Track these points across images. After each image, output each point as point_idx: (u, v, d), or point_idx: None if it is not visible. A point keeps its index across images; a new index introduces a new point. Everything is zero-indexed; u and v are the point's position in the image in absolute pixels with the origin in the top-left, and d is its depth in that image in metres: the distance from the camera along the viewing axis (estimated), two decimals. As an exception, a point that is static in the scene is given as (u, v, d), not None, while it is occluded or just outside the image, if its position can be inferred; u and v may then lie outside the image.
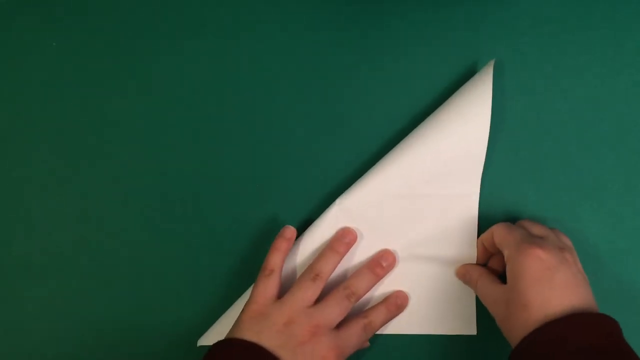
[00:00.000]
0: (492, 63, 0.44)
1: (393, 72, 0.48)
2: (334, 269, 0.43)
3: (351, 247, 0.44)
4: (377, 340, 0.45)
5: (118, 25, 0.50)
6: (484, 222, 0.44)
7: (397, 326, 0.45)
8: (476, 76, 0.44)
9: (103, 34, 0.50)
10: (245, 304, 0.42)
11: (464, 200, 0.44)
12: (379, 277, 0.44)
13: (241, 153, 0.48)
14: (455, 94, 0.44)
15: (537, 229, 0.41)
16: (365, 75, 0.48)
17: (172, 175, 0.48)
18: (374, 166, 0.45)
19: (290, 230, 0.44)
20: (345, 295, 0.42)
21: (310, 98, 0.48)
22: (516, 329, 0.37)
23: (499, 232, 0.41)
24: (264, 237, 0.47)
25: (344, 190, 0.45)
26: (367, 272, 0.44)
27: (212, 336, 0.45)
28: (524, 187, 0.46)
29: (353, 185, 0.45)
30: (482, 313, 0.45)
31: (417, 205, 0.44)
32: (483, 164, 0.43)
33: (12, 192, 0.49)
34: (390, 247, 0.45)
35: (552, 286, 0.36)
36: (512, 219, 0.45)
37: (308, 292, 0.41)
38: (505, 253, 0.39)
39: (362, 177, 0.45)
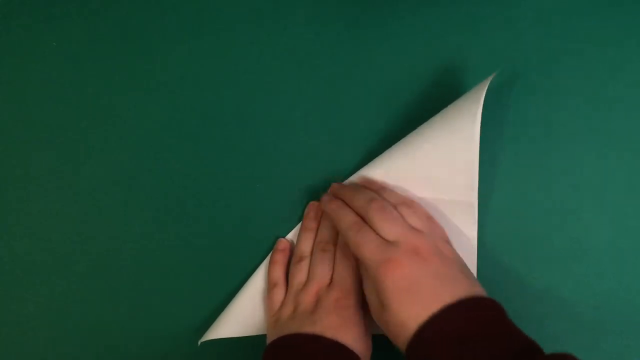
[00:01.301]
0: (489, 79, 0.43)
1: (393, 72, 0.48)
2: (313, 243, 0.45)
3: (320, 217, 0.46)
4: (377, 340, 0.45)
5: (118, 25, 0.50)
6: (484, 222, 0.44)
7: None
8: (472, 90, 0.43)
9: (103, 33, 0.50)
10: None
11: (461, 204, 0.43)
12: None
13: (241, 153, 0.48)
14: (446, 109, 0.43)
15: (385, 223, 0.38)
16: (365, 76, 0.48)
17: (172, 175, 0.48)
18: (366, 167, 0.44)
19: (283, 242, 0.47)
20: (320, 250, 0.44)
21: (310, 98, 0.48)
22: (404, 347, 0.35)
23: (349, 241, 0.39)
24: (264, 237, 0.47)
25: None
26: (325, 216, 0.45)
27: (213, 334, 0.46)
28: (525, 187, 0.46)
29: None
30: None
31: None
32: (477, 167, 0.42)
33: (13, 192, 0.49)
34: None
35: (419, 298, 0.35)
36: (513, 219, 0.45)
37: (299, 275, 0.44)
38: (363, 270, 0.40)
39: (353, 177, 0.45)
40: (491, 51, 0.47)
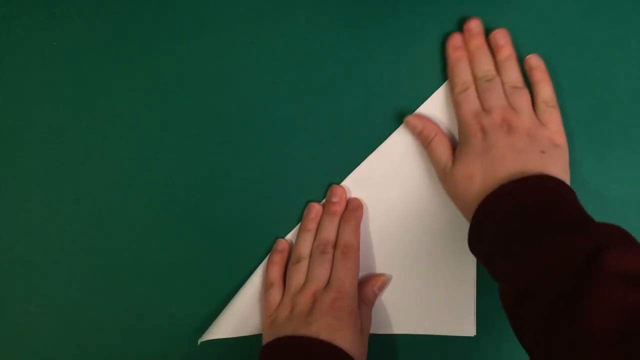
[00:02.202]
0: None
1: (393, 72, 0.48)
2: (312, 244, 0.45)
3: (319, 219, 0.46)
4: (376, 340, 0.45)
5: (118, 25, 0.50)
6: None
7: (396, 326, 0.45)
8: None
9: (103, 33, 0.50)
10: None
11: None
12: (337, 214, 0.46)
13: (241, 153, 0.48)
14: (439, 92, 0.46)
15: (492, 98, 0.42)
16: (365, 76, 0.48)
17: (172, 175, 0.48)
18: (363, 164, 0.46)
19: (282, 243, 0.47)
20: (320, 252, 0.44)
21: (310, 98, 0.48)
22: (465, 200, 0.40)
23: (453, 96, 0.44)
24: (263, 237, 0.47)
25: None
26: (325, 217, 0.46)
27: (212, 334, 0.46)
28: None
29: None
30: (481, 314, 0.45)
31: (411, 199, 0.46)
32: None
33: (13, 191, 0.49)
34: (388, 247, 0.46)
35: (493, 163, 0.39)
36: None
37: (297, 276, 0.44)
38: (460, 137, 0.43)
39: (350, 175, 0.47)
40: (491, 51, 0.47)
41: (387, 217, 0.46)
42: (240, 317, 0.46)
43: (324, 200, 0.47)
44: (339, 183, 0.47)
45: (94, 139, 0.49)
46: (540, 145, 0.40)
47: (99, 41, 0.50)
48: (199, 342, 0.46)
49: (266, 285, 0.45)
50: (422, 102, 0.47)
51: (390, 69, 0.48)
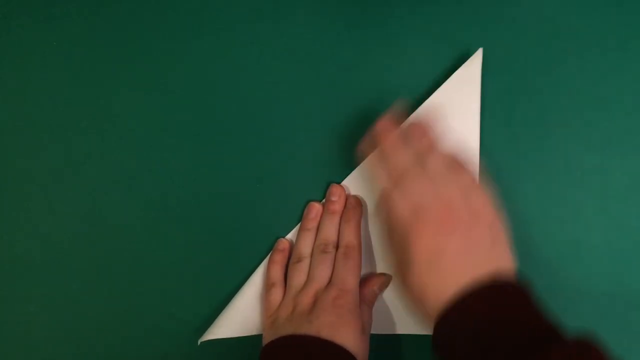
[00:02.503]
0: (480, 52, 0.45)
1: (393, 72, 0.48)
2: (312, 243, 0.45)
3: (319, 218, 0.46)
4: (376, 340, 0.45)
5: (118, 25, 0.50)
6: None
7: (396, 327, 0.45)
8: (463, 68, 0.45)
9: (103, 33, 0.50)
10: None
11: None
12: (337, 213, 0.45)
13: (241, 153, 0.48)
14: (442, 90, 0.45)
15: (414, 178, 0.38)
16: (365, 76, 0.48)
17: (173, 175, 0.48)
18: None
19: (282, 243, 0.47)
20: (321, 251, 0.44)
21: (310, 98, 0.48)
22: (426, 318, 0.37)
23: (381, 192, 0.39)
24: (263, 237, 0.47)
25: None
26: (325, 217, 0.45)
27: (212, 334, 0.46)
28: (525, 187, 0.46)
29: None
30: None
31: None
32: (478, 159, 0.44)
33: (13, 191, 0.49)
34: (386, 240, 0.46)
35: (443, 273, 0.35)
36: (513, 219, 0.45)
37: (298, 276, 0.44)
38: (389, 225, 0.39)
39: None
40: (491, 51, 0.47)
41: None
42: (240, 317, 0.46)
43: (324, 200, 0.47)
44: (339, 183, 0.47)
45: (94, 139, 0.49)
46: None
47: (99, 41, 0.50)
48: (199, 342, 0.46)
49: (267, 285, 0.45)
50: (422, 103, 0.47)
51: (390, 69, 0.48)
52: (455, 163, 0.39)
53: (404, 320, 0.45)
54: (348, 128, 0.48)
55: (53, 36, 0.50)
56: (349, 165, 0.47)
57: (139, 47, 0.49)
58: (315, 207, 0.46)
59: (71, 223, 0.48)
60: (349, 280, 0.42)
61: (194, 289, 0.48)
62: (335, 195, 0.46)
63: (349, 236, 0.44)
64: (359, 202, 0.46)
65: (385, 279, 0.45)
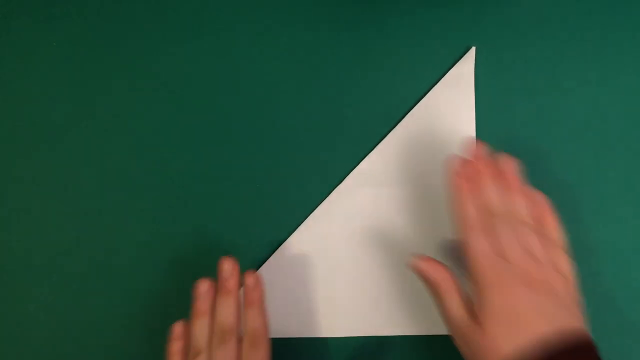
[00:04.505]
0: (472, 51, 0.46)
1: (393, 72, 0.48)
2: (209, 330, 0.39)
3: (212, 297, 0.40)
4: (376, 341, 0.45)
5: (118, 25, 0.50)
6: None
7: (395, 328, 0.45)
8: (456, 67, 0.46)
9: (103, 34, 0.50)
10: None
11: None
12: (231, 291, 0.40)
13: (241, 153, 0.48)
14: (436, 89, 0.46)
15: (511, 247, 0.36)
16: (365, 76, 0.48)
17: (172, 175, 0.48)
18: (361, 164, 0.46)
19: (177, 328, 0.41)
20: (220, 342, 0.38)
21: (310, 98, 0.48)
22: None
23: (461, 236, 0.37)
24: (264, 237, 0.47)
25: (344, 191, 0.45)
26: (219, 298, 0.40)
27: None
28: (524, 188, 0.46)
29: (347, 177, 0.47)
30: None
31: (412, 197, 0.45)
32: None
33: (13, 191, 0.49)
34: (386, 246, 0.46)
35: (517, 328, 0.34)
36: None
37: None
38: (472, 286, 0.37)
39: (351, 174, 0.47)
40: (491, 51, 0.47)
41: (387, 216, 0.46)
42: None
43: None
44: (339, 183, 0.47)
45: (94, 139, 0.49)
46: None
47: (99, 41, 0.50)
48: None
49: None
50: (418, 102, 0.47)
51: (390, 69, 0.48)
52: (541, 213, 0.39)
53: (404, 321, 0.45)
54: (348, 128, 0.48)
55: (53, 36, 0.50)
56: (349, 165, 0.47)
57: (139, 47, 0.49)
58: (205, 285, 0.40)
59: (71, 223, 0.48)
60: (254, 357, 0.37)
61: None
62: (227, 272, 0.40)
63: (254, 322, 0.39)
64: (258, 280, 0.40)
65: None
